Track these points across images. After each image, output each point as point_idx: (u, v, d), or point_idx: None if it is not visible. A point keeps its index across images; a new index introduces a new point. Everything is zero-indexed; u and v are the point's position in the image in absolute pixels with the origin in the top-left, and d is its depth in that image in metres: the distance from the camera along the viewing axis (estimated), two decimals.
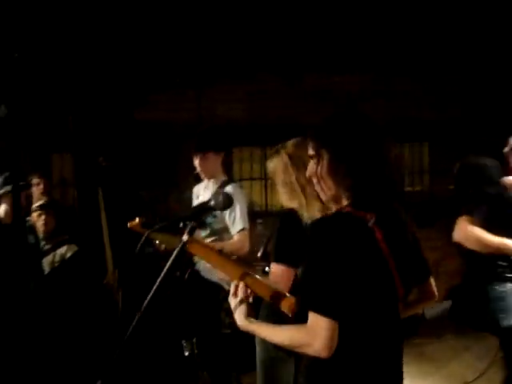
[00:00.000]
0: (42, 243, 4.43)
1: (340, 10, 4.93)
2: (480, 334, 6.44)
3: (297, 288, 1.94)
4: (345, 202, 1.79)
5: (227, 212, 3.70)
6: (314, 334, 1.68)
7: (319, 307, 1.67)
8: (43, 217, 4.44)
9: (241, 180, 6.99)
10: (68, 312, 4.66)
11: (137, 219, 2.40)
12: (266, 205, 7.14)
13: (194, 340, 3.99)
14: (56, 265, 4.48)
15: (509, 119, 7.29)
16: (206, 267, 3.84)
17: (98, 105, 5.91)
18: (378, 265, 1.73)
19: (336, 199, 1.84)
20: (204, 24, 5.08)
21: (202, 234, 3.79)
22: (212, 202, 2.52)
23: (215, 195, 2.59)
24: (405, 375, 5.63)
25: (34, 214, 4.43)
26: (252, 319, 1.94)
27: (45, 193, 4.70)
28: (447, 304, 7.24)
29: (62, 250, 4.53)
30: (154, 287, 2.11)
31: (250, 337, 3.66)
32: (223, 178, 3.99)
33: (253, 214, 6.53)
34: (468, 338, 6.39)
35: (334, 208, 1.86)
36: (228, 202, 2.62)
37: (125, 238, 5.29)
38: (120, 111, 6.02)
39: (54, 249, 4.48)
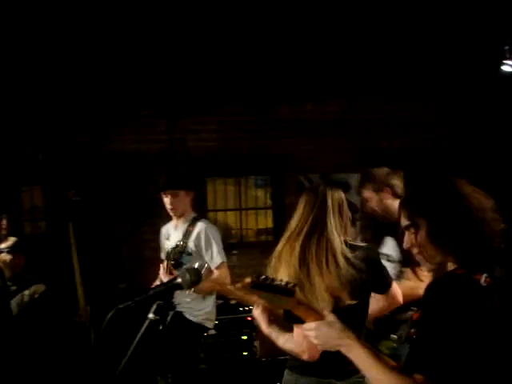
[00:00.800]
0: (9, 283, 4.26)
1: (308, 39, 4.93)
2: None
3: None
4: (451, 266, 1.77)
5: (203, 249, 3.83)
6: None
7: (432, 372, 1.58)
8: (12, 258, 4.27)
9: (215, 211, 6.92)
10: (39, 352, 4.52)
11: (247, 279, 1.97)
12: (241, 235, 7.06)
13: (170, 376, 3.91)
14: (25, 305, 4.32)
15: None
16: (189, 309, 3.90)
17: (68, 137, 5.81)
18: (497, 330, 1.66)
19: (441, 265, 1.82)
20: (174, 56, 5.03)
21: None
22: (179, 280, 2.49)
23: (183, 272, 2.55)
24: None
25: (2, 255, 4.26)
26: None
27: (8, 230, 4.55)
28: None
29: (30, 289, 4.38)
30: (127, 357, 2.08)
31: (224, 372, 3.54)
32: (193, 215, 4.05)
33: (227, 246, 6.48)
34: None
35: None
36: (196, 279, 2.60)
37: (97, 273, 5.22)
38: (90, 143, 5.93)
39: (20, 289, 4.32)
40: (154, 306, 2.35)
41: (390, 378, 1.65)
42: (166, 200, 3.92)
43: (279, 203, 6.80)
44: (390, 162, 7.07)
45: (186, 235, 3.92)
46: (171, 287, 2.50)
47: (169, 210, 3.97)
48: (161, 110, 6.25)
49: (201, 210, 6.57)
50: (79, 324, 4.91)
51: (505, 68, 4.94)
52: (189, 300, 3.80)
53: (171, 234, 4.09)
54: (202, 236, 3.89)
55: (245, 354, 5.73)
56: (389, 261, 3.70)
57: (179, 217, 4.00)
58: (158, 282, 3.80)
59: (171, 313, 3.66)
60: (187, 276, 2.56)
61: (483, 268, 1.71)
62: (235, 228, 7.21)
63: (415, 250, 1.83)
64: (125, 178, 5.96)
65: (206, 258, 3.77)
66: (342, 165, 6.86)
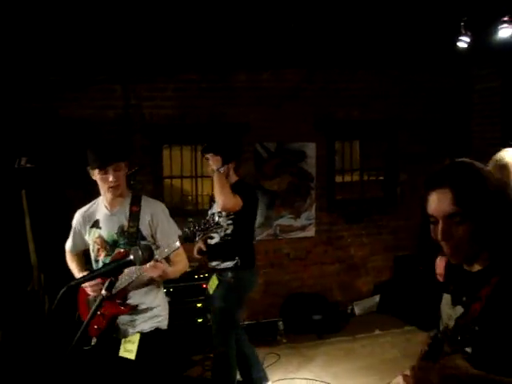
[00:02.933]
0: None
1: (268, 6, 4.89)
2: (407, 328, 6.67)
3: None
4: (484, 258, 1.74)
5: (160, 233, 3.34)
6: None
7: None
8: None
9: (171, 178, 6.90)
10: None
11: None
12: (197, 202, 7.06)
13: None
14: None
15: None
16: (141, 313, 3.37)
17: (19, 103, 5.67)
18: None
19: (472, 260, 1.78)
20: (132, 20, 4.93)
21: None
22: (131, 257, 2.48)
23: (135, 249, 2.53)
24: (335, 371, 5.72)
25: None
26: None
27: None
28: (376, 298, 7.46)
29: None
30: (79, 332, 2.09)
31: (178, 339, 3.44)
32: (130, 192, 3.46)
33: (183, 213, 6.48)
34: (396, 334, 6.57)
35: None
36: (148, 255, 2.58)
37: (50, 240, 5.15)
38: (44, 108, 5.80)
39: None
40: (106, 283, 2.37)
41: None
42: (104, 177, 3.26)
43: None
44: (347, 132, 7.24)
45: (133, 217, 3.31)
46: (123, 264, 2.51)
47: (109, 190, 3.31)
48: (116, 75, 6.14)
49: (157, 177, 6.56)
50: (33, 292, 4.87)
51: (460, 44, 5.02)
52: (141, 293, 3.34)
53: (102, 220, 3.45)
54: (159, 217, 3.36)
55: (199, 320, 5.82)
56: None
57: (119, 195, 3.38)
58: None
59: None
60: (139, 252, 2.56)
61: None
62: (191, 195, 7.21)
63: (450, 243, 1.74)
64: (79, 144, 5.85)
65: (162, 242, 3.31)
66: (299, 134, 6.90)
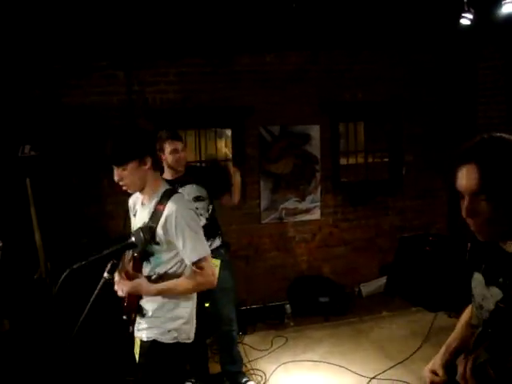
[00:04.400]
0: None
1: None
2: (414, 309, 6.69)
3: None
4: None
5: (174, 238, 2.96)
6: None
7: None
8: None
9: None
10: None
11: None
12: None
13: None
14: None
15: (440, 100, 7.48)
16: (157, 324, 3.11)
17: (23, 89, 5.66)
18: None
19: (502, 237, 1.76)
20: (133, 5, 4.90)
21: (146, 268, 3.04)
22: (133, 239, 2.45)
23: (136, 231, 2.48)
24: (342, 352, 5.74)
25: None
26: None
27: None
28: (382, 280, 7.47)
29: None
30: (82, 317, 2.10)
31: None
32: (162, 188, 3.12)
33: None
34: (402, 315, 6.58)
35: None
36: (150, 236, 2.48)
37: (57, 229, 5.17)
38: (47, 95, 5.79)
39: None
40: (109, 266, 2.36)
41: None
42: (115, 174, 3.04)
43: (240, 155, 6.79)
44: (351, 113, 7.21)
45: (154, 217, 2.99)
46: (125, 246, 2.50)
47: (125, 189, 3.10)
48: (119, 62, 6.11)
49: (160, 164, 6.54)
50: (40, 280, 4.90)
51: (463, 21, 4.96)
52: (156, 306, 3.08)
53: (138, 211, 3.22)
54: (172, 221, 2.94)
55: (206, 305, 5.84)
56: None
57: (141, 191, 3.14)
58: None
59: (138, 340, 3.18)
60: (141, 235, 2.54)
61: None
62: None
63: (475, 221, 1.73)
64: (83, 131, 5.86)
65: (182, 254, 3.01)
66: (303, 117, 6.87)
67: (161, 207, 2.99)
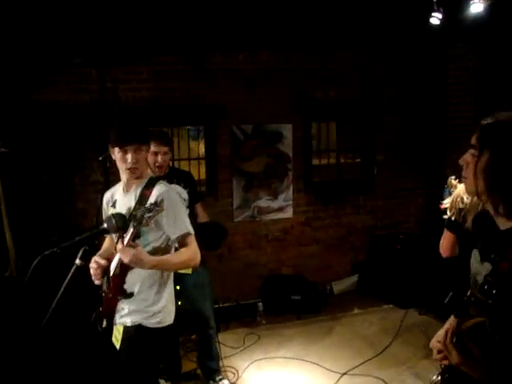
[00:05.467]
0: None
1: None
2: (385, 306, 6.77)
3: None
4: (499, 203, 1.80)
5: (163, 217, 3.06)
6: None
7: None
8: None
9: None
10: None
11: None
12: None
13: None
14: None
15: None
16: (140, 308, 3.18)
17: None
18: None
19: (479, 196, 1.88)
20: (107, 2, 4.88)
21: (140, 244, 3.09)
22: (105, 226, 2.45)
23: (108, 218, 2.49)
24: (314, 349, 5.80)
25: None
26: None
27: None
28: (354, 278, 7.54)
29: None
30: (51, 308, 2.09)
31: None
32: (149, 175, 3.32)
33: None
34: (374, 312, 6.66)
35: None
36: (122, 223, 2.50)
37: (27, 226, 5.12)
38: (17, 93, 5.72)
39: None
40: (81, 252, 2.36)
41: None
42: (126, 157, 3.10)
43: (212, 154, 6.80)
44: (323, 113, 7.26)
45: (141, 200, 3.12)
46: (97, 233, 2.50)
47: (126, 171, 3.16)
48: (91, 59, 6.07)
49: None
50: (10, 278, 4.85)
51: (433, 20, 5.02)
52: (140, 288, 3.16)
53: (118, 200, 3.32)
54: (163, 203, 3.02)
55: (179, 303, 5.83)
56: None
57: (137, 177, 3.22)
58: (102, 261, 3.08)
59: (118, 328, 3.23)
60: (113, 221, 2.55)
61: None
62: None
63: (464, 172, 1.92)
64: (55, 128, 5.81)
65: (168, 230, 3.12)
66: (276, 115, 6.91)
67: (147, 192, 3.14)
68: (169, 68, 6.44)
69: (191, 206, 4.79)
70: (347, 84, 7.22)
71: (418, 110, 7.63)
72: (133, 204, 3.15)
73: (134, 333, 3.18)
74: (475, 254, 2.03)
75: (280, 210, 7.08)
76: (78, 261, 2.32)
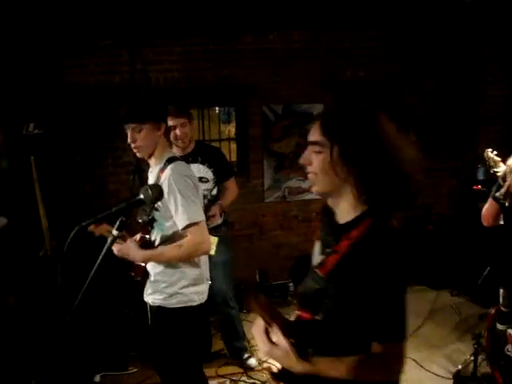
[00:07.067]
0: None
1: None
2: (417, 287, 6.72)
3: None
4: (356, 204, 1.79)
5: (168, 202, 3.00)
6: (394, 362, 1.68)
7: (398, 335, 1.67)
8: None
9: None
10: (4, 286, 4.54)
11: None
12: None
13: None
14: None
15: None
16: (159, 289, 3.19)
17: (26, 68, 5.65)
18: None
19: (333, 190, 1.84)
20: None
21: (156, 229, 3.17)
22: (141, 196, 2.44)
23: (145, 188, 2.49)
24: None
25: None
26: (306, 360, 1.72)
27: None
28: None
29: None
30: (87, 281, 2.09)
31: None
32: (167, 155, 3.20)
33: None
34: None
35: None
36: (158, 193, 2.50)
37: (60, 207, 5.19)
38: (50, 74, 5.78)
39: None
40: (118, 223, 2.35)
41: (362, 362, 1.68)
42: (129, 135, 3.11)
43: (243, 134, 6.79)
44: (354, 92, 7.17)
45: (157, 182, 3.06)
46: (133, 203, 2.49)
47: (134, 150, 3.17)
48: (122, 40, 6.09)
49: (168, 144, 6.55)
50: (45, 257, 4.92)
51: None
52: (157, 270, 3.18)
53: (149, 178, 3.31)
54: (165, 187, 2.93)
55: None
56: None
57: (148, 157, 3.21)
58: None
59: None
60: (149, 191, 2.55)
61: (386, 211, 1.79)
62: None
63: (310, 169, 1.85)
64: (86, 110, 5.85)
65: (174, 216, 3.03)
66: (306, 95, 6.85)
67: (161, 173, 3.08)
68: (199, 48, 6.42)
69: (219, 184, 4.79)
70: (378, 63, 7.11)
71: (452, 88, 7.49)
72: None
73: (156, 313, 3.23)
74: (316, 246, 2.03)
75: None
76: (114, 231, 2.31)
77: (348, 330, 1.72)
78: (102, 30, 5.82)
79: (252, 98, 6.63)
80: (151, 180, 3.21)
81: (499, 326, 3.90)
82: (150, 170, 3.29)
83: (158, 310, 3.19)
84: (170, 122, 4.31)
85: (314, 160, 1.82)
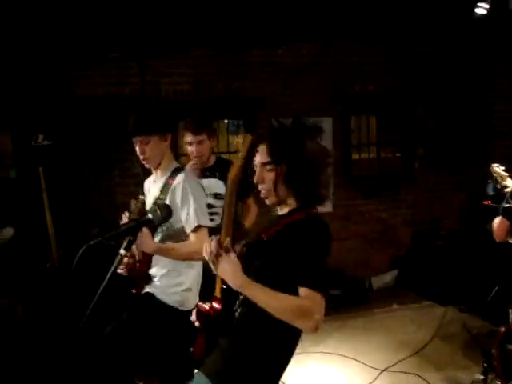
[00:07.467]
0: None
1: None
2: (424, 303, 6.67)
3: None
4: (290, 203, 2.26)
5: (179, 207, 3.14)
6: (314, 309, 2.02)
7: (319, 286, 2.04)
8: None
9: (186, 155, 6.85)
10: (10, 296, 4.54)
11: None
12: None
13: None
14: None
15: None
16: (161, 287, 3.30)
17: (36, 80, 5.67)
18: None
19: (282, 202, 2.27)
20: None
21: (155, 239, 3.24)
22: (150, 216, 2.45)
23: (153, 208, 2.50)
24: (353, 345, 5.74)
25: None
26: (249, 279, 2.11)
27: None
28: (393, 273, 7.44)
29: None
30: (96, 296, 2.08)
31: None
32: (174, 165, 3.37)
33: None
34: (413, 308, 6.56)
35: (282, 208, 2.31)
36: (167, 213, 2.52)
37: (68, 218, 5.19)
38: (60, 86, 5.80)
39: None
40: (125, 242, 2.34)
41: (292, 300, 2.03)
42: (137, 148, 3.24)
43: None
44: (363, 106, 7.17)
45: (164, 190, 3.24)
46: (142, 223, 2.49)
47: (142, 161, 3.30)
48: (131, 52, 6.11)
49: (173, 155, 6.55)
50: (52, 268, 4.92)
51: (478, 10, 4.89)
52: (162, 272, 3.31)
53: (151, 189, 3.45)
54: (179, 191, 3.16)
55: None
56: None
57: (156, 168, 3.35)
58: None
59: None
60: (158, 211, 2.55)
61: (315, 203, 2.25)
62: None
63: (264, 186, 2.25)
64: (95, 121, 5.86)
65: (182, 219, 3.16)
66: (315, 109, 6.85)
67: (170, 181, 3.25)
68: (209, 61, 6.44)
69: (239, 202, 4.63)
70: (387, 77, 7.12)
71: (461, 103, 7.48)
72: (157, 193, 3.29)
73: (146, 300, 3.28)
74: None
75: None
76: (122, 251, 2.30)
77: (276, 280, 2.11)
78: (111, 42, 5.84)
79: (261, 110, 6.62)
80: (155, 189, 3.34)
81: (510, 346, 3.84)
82: (153, 179, 3.43)
83: (150, 298, 3.26)
84: (188, 138, 4.19)
85: (266, 178, 2.24)
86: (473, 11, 4.79)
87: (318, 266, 2.07)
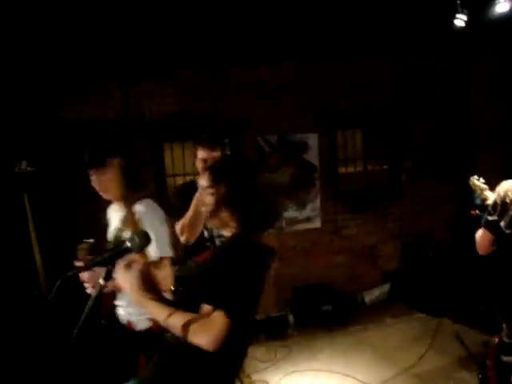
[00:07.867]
0: None
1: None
2: (418, 315, 6.64)
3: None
4: (233, 227, 2.33)
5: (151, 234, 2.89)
6: (213, 326, 2.02)
7: (226, 306, 2.06)
8: None
9: (174, 176, 6.84)
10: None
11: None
12: None
13: None
14: None
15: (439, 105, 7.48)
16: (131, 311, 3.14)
17: (18, 106, 5.64)
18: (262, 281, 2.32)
19: (224, 225, 2.37)
20: (127, 19, 4.90)
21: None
22: (128, 244, 2.42)
23: (131, 236, 2.45)
24: (347, 361, 5.72)
25: None
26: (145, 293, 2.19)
27: None
28: (386, 287, 7.42)
29: None
30: (76, 329, 2.06)
31: None
32: (133, 194, 3.12)
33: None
34: (406, 321, 6.53)
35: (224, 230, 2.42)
36: (146, 241, 2.49)
37: (54, 244, 5.13)
38: (42, 112, 5.76)
39: None
40: (104, 273, 2.31)
41: (186, 316, 2.08)
42: (92, 180, 3.09)
43: None
44: (348, 121, 7.19)
45: (125, 221, 3.05)
46: (120, 251, 2.45)
47: (100, 193, 3.14)
48: (114, 76, 6.09)
49: (159, 176, 6.53)
50: (40, 296, 4.86)
51: (457, 22, 4.93)
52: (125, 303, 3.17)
53: (111, 218, 3.27)
54: (146, 219, 2.97)
55: None
56: None
57: (116, 199, 3.18)
58: None
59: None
60: (136, 239, 2.51)
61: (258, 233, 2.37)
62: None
63: (207, 209, 2.35)
64: (79, 146, 5.81)
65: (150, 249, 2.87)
66: (300, 125, 6.86)
67: (131, 209, 3.03)
68: (192, 82, 6.44)
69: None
70: (372, 92, 7.15)
71: (445, 114, 7.52)
72: (119, 224, 3.13)
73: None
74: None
75: (308, 220, 7.01)
76: (101, 281, 2.27)
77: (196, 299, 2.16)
78: (94, 66, 5.83)
79: (246, 129, 6.63)
80: (116, 219, 3.16)
81: (504, 358, 3.82)
82: (114, 208, 3.25)
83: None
84: (201, 154, 3.89)
85: (208, 201, 2.35)
86: (452, 24, 4.82)
87: (234, 289, 2.12)
